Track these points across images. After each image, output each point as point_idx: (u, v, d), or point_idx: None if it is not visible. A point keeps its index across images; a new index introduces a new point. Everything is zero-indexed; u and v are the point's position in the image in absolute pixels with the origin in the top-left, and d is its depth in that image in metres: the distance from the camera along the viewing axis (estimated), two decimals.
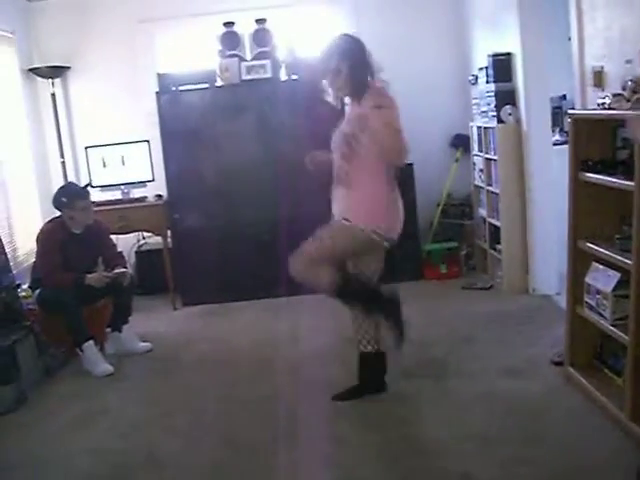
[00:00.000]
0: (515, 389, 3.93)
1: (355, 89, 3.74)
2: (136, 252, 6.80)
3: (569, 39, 4.52)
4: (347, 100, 3.93)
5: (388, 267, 4.08)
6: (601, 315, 3.53)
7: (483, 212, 6.28)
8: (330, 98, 3.93)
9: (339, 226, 3.76)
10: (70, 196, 5.01)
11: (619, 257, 3.32)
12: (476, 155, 6.38)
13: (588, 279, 3.67)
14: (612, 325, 3.43)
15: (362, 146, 3.64)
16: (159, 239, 6.33)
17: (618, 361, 3.62)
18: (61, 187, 5.34)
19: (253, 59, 6.17)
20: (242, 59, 6.16)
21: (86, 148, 6.44)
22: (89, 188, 5.35)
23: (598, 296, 3.55)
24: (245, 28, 6.24)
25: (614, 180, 3.34)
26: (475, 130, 6.35)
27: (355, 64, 3.74)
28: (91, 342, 4.84)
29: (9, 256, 5.10)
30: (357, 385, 4.01)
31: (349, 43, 3.81)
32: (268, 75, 6.10)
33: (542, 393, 3.85)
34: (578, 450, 3.21)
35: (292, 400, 4.04)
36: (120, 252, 5.44)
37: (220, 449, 3.59)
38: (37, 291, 5.06)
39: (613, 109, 3.42)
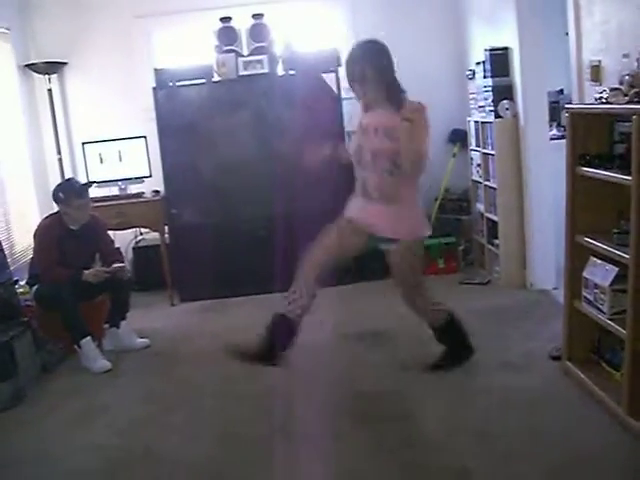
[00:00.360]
0: (513, 383, 3.94)
1: (385, 94, 3.79)
2: (133, 248, 6.79)
3: (566, 34, 4.52)
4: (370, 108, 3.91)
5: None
6: (599, 309, 3.54)
7: (481, 207, 6.28)
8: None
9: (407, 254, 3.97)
10: (67, 192, 5.01)
11: (617, 251, 3.33)
12: (473, 150, 6.38)
13: (586, 273, 3.68)
14: (610, 319, 3.43)
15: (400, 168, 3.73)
16: (156, 235, 6.32)
17: (616, 355, 3.62)
18: (60, 182, 5.37)
19: (250, 54, 6.16)
20: (239, 54, 6.15)
21: (83, 144, 6.43)
22: (90, 187, 5.33)
23: (596, 290, 3.55)
24: (242, 23, 6.22)
25: (611, 174, 3.34)
26: (472, 125, 6.35)
27: (381, 68, 3.80)
28: (89, 338, 4.84)
29: (6, 252, 5.08)
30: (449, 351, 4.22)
31: (372, 48, 3.84)
32: (265, 70, 6.09)
33: (540, 387, 3.85)
34: (576, 444, 3.21)
35: (289, 395, 4.04)
36: (117, 248, 5.44)
37: (218, 445, 3.59)
38: (35, 287, 5.06)
39: (610, 103, 3.42)
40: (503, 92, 5.58)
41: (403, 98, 3.77)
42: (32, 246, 5.17)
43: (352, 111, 6.35)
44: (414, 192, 3.94)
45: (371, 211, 3.92)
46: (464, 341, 4.20)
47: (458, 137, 6.74)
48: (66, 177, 6.55)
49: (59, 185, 5.25)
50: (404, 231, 3.91)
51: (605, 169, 3.42)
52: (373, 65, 3.75)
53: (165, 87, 6.13)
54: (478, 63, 5.94)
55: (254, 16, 6.18)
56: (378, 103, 3.81)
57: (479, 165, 6.20)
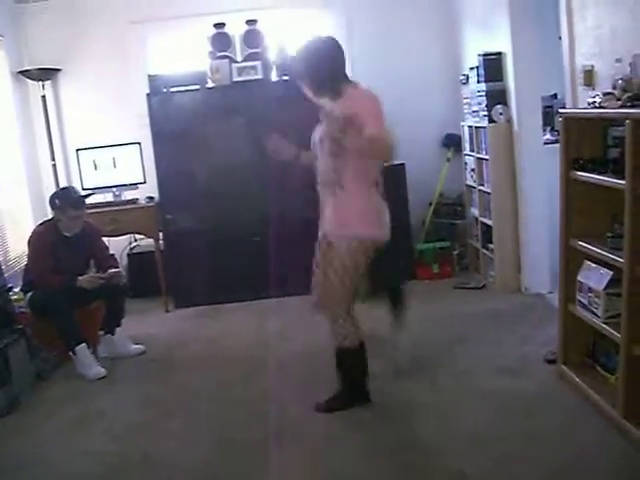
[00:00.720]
0: (508, 387, 3.94)
1: (318, 90, 3.73)
2: (128, 254, 6.78)
3: (559, 38, 4.54)
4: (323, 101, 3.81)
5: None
6: (593, 313, 3.55)
7: (475, 211, 6.29)
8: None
9: (339, 256, 3.70)
10: (64, 201, 5.00)
11: (611, 255, 3.33)
12: (467, 155, 6.40)
13: (580, 277, 3.69)
14: (604, 323, 3.44)
15: (343, 148, 3.54)
16: (151, 241, 6.31)
17: (610, 359, 3.63)
18: (61, 189, 5.42)
19: (244, 60, 6.16)
20: (233, 60, 6.16)
21: (77, 150, 6.43)
22: (88, 197, 5.32)
23: (590, 294, 3.56)
24: (236, 29, 6.23)
25: (605, 179, 3.35)
26: (466, 130, 6.36)
27: (310, 67, 3.71)
28: (84, 345, 4.83)
29: (0, 259, 5.08)
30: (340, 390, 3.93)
31: (307, 47, 3.74)
32: (259, 76, 6.10)
33: (535, 391, 3.86)
34: (571, 448, 3.22)
35: (284, 400, 4.04)
36: (112, 254, 5.43)
37: (214, 449, 3.59)
38: (29, 294, 5.05)
39: (604, 108, 3.43)
40: (497, 97, 5.60)
41: (343, 87, 3.69)
42: (26, 253, 5.16)
43: None
44: (365, 185, 3.68)
45: (324, 205, 3.80)
46: (361, 382, 3.93)
47: (452, 142, 6.75)
48: (63, 184, 6.57)
49: (58, 191, 5.28)
50: (333, 227, 3.73)
51: (599, 173, 3.43)
52: (306, 64, 3.72)
53: (159, 93, 6.13)
54: (472, 68, 5.95)
55: (248, 22, 6.19)
56: (321, 95, 3.77)
57: (473, 170, 6.21)
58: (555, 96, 6.27)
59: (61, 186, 6.48)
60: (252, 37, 6.17)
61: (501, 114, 5.56)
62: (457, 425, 3.58)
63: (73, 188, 5.30)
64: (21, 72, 6.51)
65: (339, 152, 3.57)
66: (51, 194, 5.22)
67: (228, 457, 3.50)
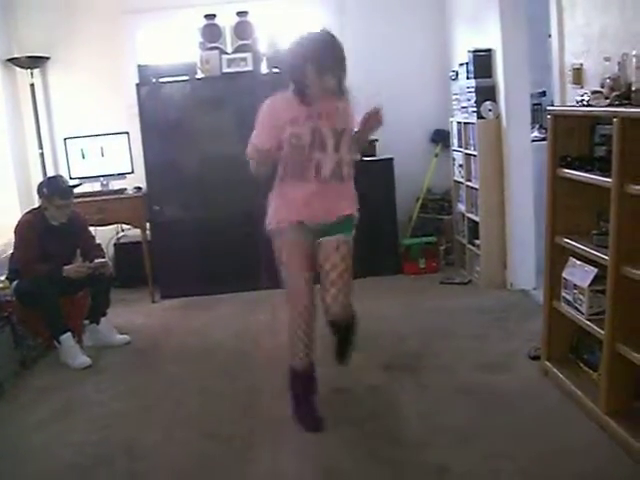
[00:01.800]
0: (492, 383, 3.96)
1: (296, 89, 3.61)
2: (115, 244, 6.77)
3: (549, 36, 4.55)
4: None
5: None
6: (578, 310, 3.57)
7: (462, 207, 6.31)
8: None
9: (348, 247, 3.72)
10: (52, 190, 4.98)
11: (596, 252, 3.36)
12: (456, 150, 6.41)
13: (565, 274, 3.71)
14: (588, 320, 3.46)
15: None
16: (138, 231, 6.30)
17: (594, 356, 3.65)
18: (49, 177, 5.42)
19: (234, 52, 6.16)
20: (223, 52, 6.15)
21: (65, 139, 6.40)
22: (76, 188, 5.30)
23: (575, 291, 3.59)
24: (226, 21, 6.22)
25: (592, 176, 3.37)
26: (455, 125, 6.37)
27: (285, 66, 3.79)
28: (69, 334, 4.82)
29: None
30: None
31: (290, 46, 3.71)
32: (249, 68, 6.09)
33: (519, 387, 3.88)
34: (554, 443, 3.24)
35: (271, 392, 4.05)
36: (98, 244, 5.41)
37: (199, 441, 3.59)
38: (14, 282, 5.03)
39: (592, 106, 3.45)
40: (486, 93, 5.61)
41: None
42: (12, 241, 5.14)
43: None
44: (277, 186, 3.73)
45: (327, 195, 3.71)
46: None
47: (440, 137, 6.77)
48: (50, 173, 6.54)
49: (46, 180, 5.28)
50: (353, 208, 3.81)
51: (586, 171, 3.45)
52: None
53: (148, 83, 6.11)
54: (461, 64, 5.97)
55: (238, 14, 6.18)
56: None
57: (461, 165, 6.23)
58: (544, 93, 6.29)
59: (49, 175, 6.45)
60: (243, 29, 6.17)
61: (490, 110, 5.58)
62: (441, 420, 3.59)
63: (61, 177, 5.28)
64: (10, 60, 6.48)
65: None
66: (39, 182, 5.20)
67: (213, 449, 3.50)
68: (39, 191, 5.05)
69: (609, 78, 3.46)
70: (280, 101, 3.65)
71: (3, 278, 5.21)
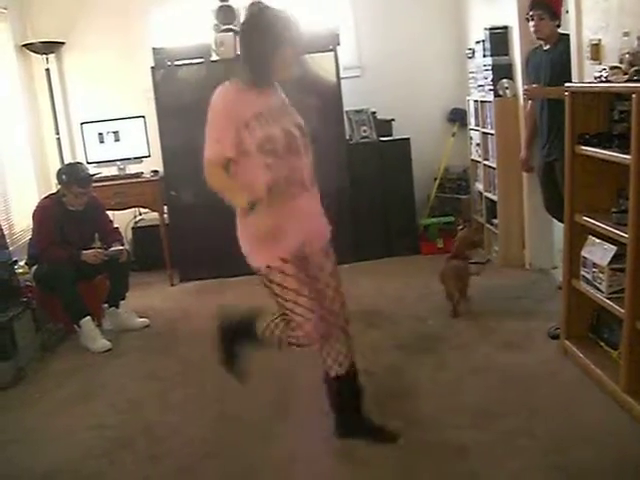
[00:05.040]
0: (512, 362, 3.95)
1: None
2: (133, 228, 6.79)
3: (567, 12, 4.49)
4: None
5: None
6: (597, 288, 3.54)
7: (480, 186, 6.27)
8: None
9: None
10: (70, 177, 5.00)
11: (615, 230, 3.32)
12: (473, 129, 6.36)
13: (584, 253, 3.68)
14: (608, 298, 3.44)
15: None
16: (156, 215, 6.32)
17: (613, 334, 3.63)
18: (69, 164, 5.47)
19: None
20: (237, 33, 6.10)
21: (82, 124, 6.42)
22: (94, 177, 5.33)
23: (594, 269, 3.56)
24: (240, 2, 6.16)
25: (611, 153, 3.33)
26: (472, 104, 6.32)
27: (249, 46, 3.14)
28: (88, 318, 4.85)
29: (6, 233, 5.09)
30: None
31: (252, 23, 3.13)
32: None
33: (539, 366, 3.87)
34: (574, 422, 3.23)
35: (288, 373, 4.06)
36: (116, 228, 5.44)
37: (217, 423, 3.61)
38: (34, 268, 5.07)
39: (610, 82, 3.41)
40: (502, 71, 5.56)
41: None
42: (31, 226, 5.17)
43: (352, 90, 6.37)
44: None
45: (302, 208, 3.15)
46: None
47: (457, 116, 6.72)
48: (67, 158, 6.59)
49: (65, 167, 5.30)
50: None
51: (604, 148, 3.41)
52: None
53: (163, 66, 6.10)
54: (478, 42, 5.91)
55: None
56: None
57: (478, 144, 6.19)
58: None
59: (66, 160, 6.48)
60: None
61: (507, 88, 5.53)
62: (460, 400, 3.59)
63: (80, 165, 5.29)
64: (25, 45, 6.49)
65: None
66: (58, 169, 5.23)
67: (231, 431, 3.52)
68: (58, 178, 5.06)
69: (628, 53, 3.41)
70: (235, 92, 3.09)
71: (22, 263, 5.25)
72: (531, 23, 4.59)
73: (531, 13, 4.56)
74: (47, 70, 6.59)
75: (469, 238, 5.07)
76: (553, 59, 4.57)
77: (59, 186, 5.07)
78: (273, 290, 3.12)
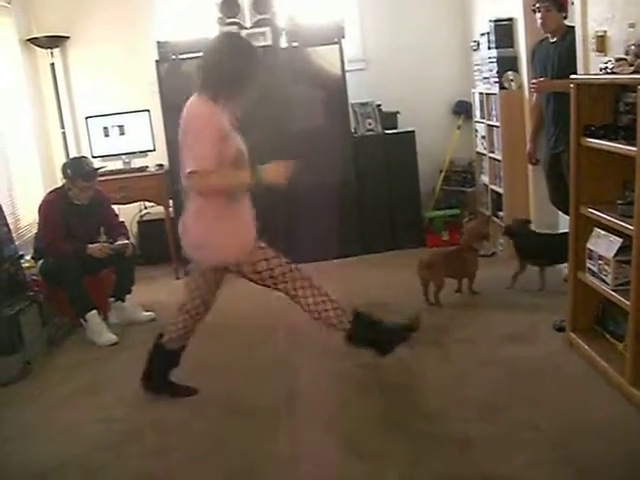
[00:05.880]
0: (517, 355, 3.96)
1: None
2: (138, 222, 6.80)
3: (572, 3, 4.48)
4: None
5: None
6: (603, 281, 3.54)
7: (485, 179, 6.26)
8: None
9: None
10: (75, 171, 5.01)
11: (621, 222, 3.32)
12: (478, 122, 6.35)
13: (590, 245, 3.67)
14: (614, 290, 3.43)
15: None
16: (161, 209, 6.32)
17: (619, 327, 3.63)
18: (74, 158, 5.48)
19: (253, 26, 6.11)
20: (242, 27, 6.10)
21: (86, 118, 6.42)
22: (98, 170, 5.32)
23: (600, 262, 3.55)
24: None
25: (616, 145, 3.33)
26: (477, 96, 6.31)
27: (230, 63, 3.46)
28: (94, 312, 4.87)
29: (12, 227, 5.10)
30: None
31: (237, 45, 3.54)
32: (268, 43, 6.05)
33: (544, 359, 3.87)
34: (579, 415, 3.23)
35: (295, 366, 4.07)
36: (122, 222, 5.45)
37: (224, 416, 3.62)
38: (40, 262, 5.08)
39: (616, 74, 3.40)
40: (508, 63, 5.55)
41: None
42: (37, 220, 5.18)
43: (357, 82, 6.36)
44: (225, 207, 3.52)
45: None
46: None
47: (462, 109, 6.72)
48: (72, 152, 6.62)
49: (70, 161, 5.31)
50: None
51: (610, 140, 3.41)
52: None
53: (168, 60, 6.10)
54: (483, 34, 5.90)
55: None
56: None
57: (484, 137, 6.18)
58: None
59: (71, 154, 6.50)
60: (261, 3, 6.11)
61: (512, 81, 5.52)
62: (465, 392, 3.59)
63: (85, 159, 5.29)
64: (30, 40, 6.48)
65: None
66: (63, 163, 5.24)
67: (238, 424, 3.52)
68: (63, 172, 5.07)
69: (634, 45, 3.40)
70: (210, 107, 3.34)
71: (28, 257, 5.26)
72: (538, 15, 4.58)
73: (538, 5, 4.55)
74: (52, 64, 6.59)
75: (477, 230, 5.08)
76: (560, 51, 4.55)
77: (64, 180, 5.08)
78: (258, 267, 3.58)
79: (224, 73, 3.35)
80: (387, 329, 3.73)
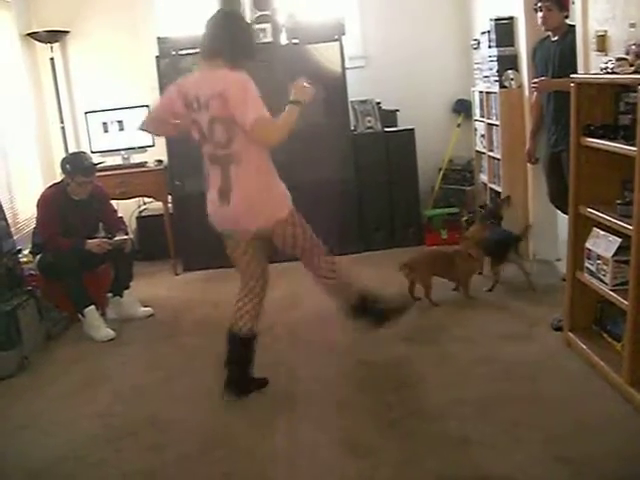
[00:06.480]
0: (515, 354, 3.96)
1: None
2: (137, 218, 6.80)
3: (573, 2, 4.48)
4: None
5: None
6: (601, 280, 3.54)
7: (484, 178, 6.26)
8: None
9: None
10: (74, 166, 5.00)
11: (620, 222, 3.32)
12: (478, 120, 6.35)
13: (589, 244, 3.67)
14: (612, 290, 3.44)
15: None
16: (160, 205, 6.32)
17: (617, 326, 3.63)
18: (73, 153, 5.48)
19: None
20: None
21: (86, 113, 6.42)
22: (97, 166, 5.31)
23: (598, 261, 3.56)
24: None
25: (616, 145, 3.33)
26: (477, 95, 6.31)
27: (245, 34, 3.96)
28: (92, 307, 4.86)
29: (10, 221, 5.10)
30: None
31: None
32: (268, 39, 6.05)
33: (542, 358, 3.87)
34: (577, 414, 3.23)
35: (291, 363, 4.07)
36: (120, 217, 5.44)
37: (221, 412, 3.62)
38: (38, 256, 5.08)
39: (616, 74, 3.40)
40: (508, 62, 5.55)
41: None
42: (35, 215, 5.18)
43: (357, 80, 6.36)
44: (267, 172, 3.89)
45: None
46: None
47: (462, 107, 6.72)
48: (72, 147, 6.61)
49: (69, 156, 5.30)
50: None
51: (610, 140, 3.41)
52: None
53: (168, 56, 6.09)
54: (483, 32, 5.89)
55: None
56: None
57: (483, 135, 6.18)
58: None
59: (70, 149, 6.49)
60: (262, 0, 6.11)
61: (512, 79, 5.51)
62: (463, 391, 3.59)
63: (84, 154, 5.28)
64: (29, 34, 6.48)
65: None
66: (62, 158, 5.22)
67: (235, 420, 3.52)
68: (62, 167, 5.07)
69: (634, 45, 3.40)
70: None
71: (27, 252, 5.26)
72: (539, 14, 4.58)
73: (539, 4, 4.54)
74: (51, 59, 6.58)
75: (475, 237, 5.06)
76: (562, 50, 4.55)
77: (63, 175, 5.07)
78: (296, 231, 3.77)
79: (238, 43, 3.75)
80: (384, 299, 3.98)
